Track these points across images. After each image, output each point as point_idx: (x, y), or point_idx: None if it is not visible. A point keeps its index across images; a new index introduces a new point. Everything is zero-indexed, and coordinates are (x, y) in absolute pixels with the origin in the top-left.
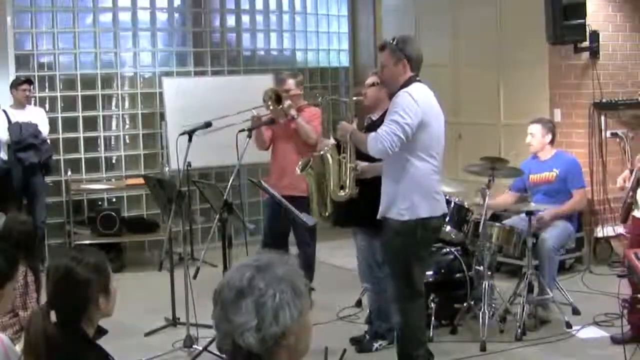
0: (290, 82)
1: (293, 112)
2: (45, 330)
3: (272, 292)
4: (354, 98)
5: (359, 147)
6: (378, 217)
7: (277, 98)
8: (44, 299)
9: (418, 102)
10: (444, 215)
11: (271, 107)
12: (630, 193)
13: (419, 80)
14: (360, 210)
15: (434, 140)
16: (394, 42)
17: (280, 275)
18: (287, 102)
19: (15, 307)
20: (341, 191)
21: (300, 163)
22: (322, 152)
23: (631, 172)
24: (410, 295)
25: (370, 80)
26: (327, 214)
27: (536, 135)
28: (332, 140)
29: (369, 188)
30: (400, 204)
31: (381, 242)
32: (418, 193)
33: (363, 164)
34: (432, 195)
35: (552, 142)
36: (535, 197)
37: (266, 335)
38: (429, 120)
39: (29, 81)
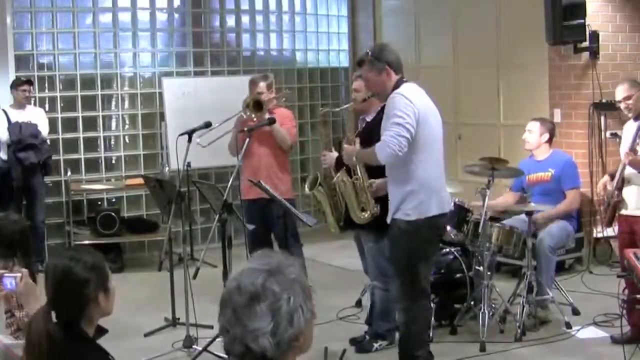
0: (262, 85)
1: (267, 116)
2: (48, 330)
3: (287, 295)
4: (345, 106)
5: (369, 162)
6: (388, 221)
7: (255, 105)
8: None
9: (412, 100)
10: (450, 213)
11: (253, 116)
12: (616, 192)
13: (406, 81)
14: None
15: (434, 135)
16: (370, 54)
17: (292, 278)
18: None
19: (11, 307)
20: (363, 213)
21: (307, 181)
22: (334, 180)
23: (611, 176)
24: (415, 295)
25: (357, 85)
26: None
27: (534, 132)
28: (335, 154)
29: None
30: (407, 204)
31: (388, 242)
32: (425, 191)
33: (377, 182)
34: (439, 192)
35: (549, 142)
36: (532, 197)
37: (282, 339)
38: (426, 116)
39: (29, 82)
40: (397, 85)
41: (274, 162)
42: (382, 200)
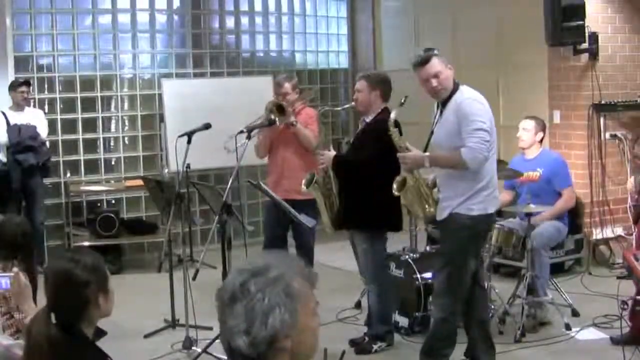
0: (287, 86)
1: (292, 118)
2: (48, 332)
3: (261, 296)
4: (346, 105)
5: (451, 168)
6: (440, 218)
7: (278, 109)
8: (40, 300)
9: (484, 104)
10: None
11: (277, 120)
12: (636, 197)
13: (458, 82)
14: (359, 214)
15: (495, 137)
16: (435, 50)
17: (273, 278)
18: (288, 110)
19: (10, 309)
20: (427, 209)
21: (304, 180)
22: (396, 192)
23: None
24: (459, 291)
25: (358, 85)
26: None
27: (530, 131)
28: (333, 152)
29: (367, 192)
30: (473, 200)
31: (442, 234)
32: (489, 189)
33: (431, 177)
34: (496, 190)
35: (541, 141)
36: (520, 196)
37: (256, 339)
38: (491, 118)
39: (27, 83)
40: (455, 86)
41: (299, 162)
42: (368, 198)
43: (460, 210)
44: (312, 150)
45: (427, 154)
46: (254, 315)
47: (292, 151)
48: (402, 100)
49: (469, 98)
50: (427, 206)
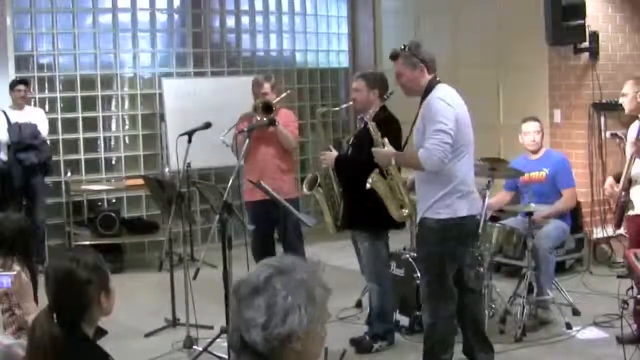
0: (267, 86)
1: (275, 118)
2: (51, 332)
3: (285, 293)
4: (344, 105)
5: (411, 168)
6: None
7: (265, 107)
8: (40, 299)
9: (451, 104)
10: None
11: (264, 119)
12: (623, 193)
13: (439, 81)
14: (360, 214)
15: (468, 137)
16: (407, 49)
17: (298, 279)
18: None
19: (12, 306)
20: (402, 210)
21: (305, 183)
22: (369, 184)
23: (615, 178)
24: (443, 295)
25: (357, 84)
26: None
27: (538, 133)
28: (334, 153)
29: (368, 192)
30: (440, 203)
31: (416, 241)
32: (459, 192)
33: (410, 178)
34: (471, 194)
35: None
36: (525, 197)
37: (271, 335)
38: (462, 119)
39: (24, 82)
40: (430, 85)
41: (279, 162)
42: (369, 198)
43: (428, 215)
44: (292, 150)
45: (393, 151)
46: (275, 310)
47: (273, 151)
48: (385, 97)
49: (437, 98)
50: (401, 206)
